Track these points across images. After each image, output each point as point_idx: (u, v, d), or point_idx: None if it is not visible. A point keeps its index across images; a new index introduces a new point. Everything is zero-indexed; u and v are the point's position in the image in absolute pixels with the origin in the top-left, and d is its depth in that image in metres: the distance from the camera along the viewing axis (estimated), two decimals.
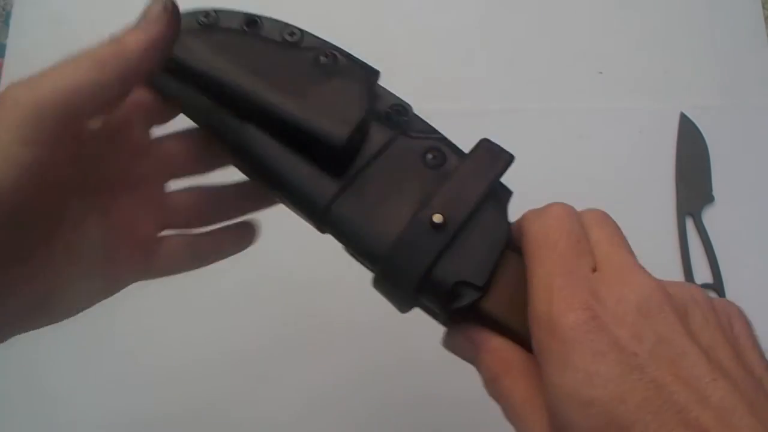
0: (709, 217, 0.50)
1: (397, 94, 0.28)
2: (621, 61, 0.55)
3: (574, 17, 0.56)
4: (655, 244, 0.49)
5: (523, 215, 0.25)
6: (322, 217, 0.25)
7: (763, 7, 0.57)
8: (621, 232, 0.24)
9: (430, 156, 0.26)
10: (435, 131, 0.27)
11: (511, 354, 0.23)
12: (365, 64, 0.27)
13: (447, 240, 0.23)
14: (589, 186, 0.51)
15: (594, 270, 0.22)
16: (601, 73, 0.54)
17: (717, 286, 0.48)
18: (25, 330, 0.24)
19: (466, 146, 0.27)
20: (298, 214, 0.27)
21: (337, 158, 0.25)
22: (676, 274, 0.49)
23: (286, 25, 0.28)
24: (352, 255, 0.26)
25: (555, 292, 0.21)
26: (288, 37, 0.27)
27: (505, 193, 0.26)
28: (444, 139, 0.27)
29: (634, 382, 0.19)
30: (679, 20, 0.56)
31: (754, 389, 0.19)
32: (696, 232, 0.50)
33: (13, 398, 0.45)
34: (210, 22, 0.27)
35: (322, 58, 0.26)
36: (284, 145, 0.25)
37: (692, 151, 0.52)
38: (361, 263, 0.26)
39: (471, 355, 0.24)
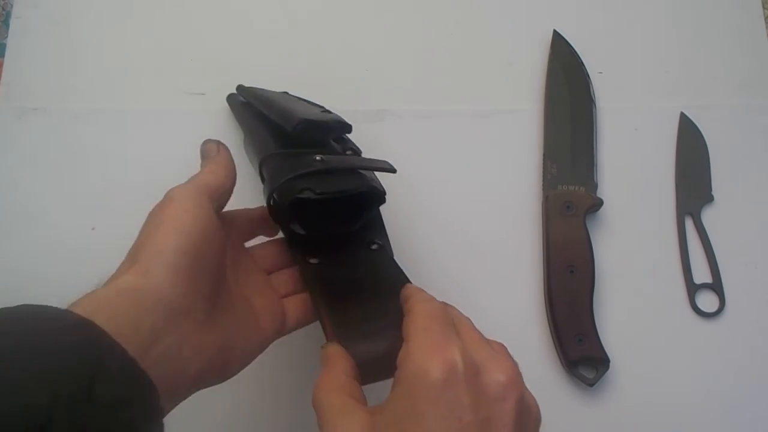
0: (708, 216, 0.50)
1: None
2: (621, 61, 0.55)
3: (574, 17, 0.56)
4: (654, 244, 0.50)
5: (412, 294, 0.32)
6: (262, 161, 0.40)
7: (763, 7, 0.57)
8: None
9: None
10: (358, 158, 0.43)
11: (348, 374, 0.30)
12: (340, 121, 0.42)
13: (323, 168, 0.37)
14: None
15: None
16: (601, 73, 0.54)
17: (716, 285, 0.48)
18: (205, 386, 0.31)
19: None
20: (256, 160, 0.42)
21: (287, 138, 0.40)
22: (676, 274, 0.49)
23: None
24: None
25: (426, 352, 0.27)
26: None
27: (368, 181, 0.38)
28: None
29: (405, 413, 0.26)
30: (679, 20, 0.56)
31: None
32: (695, 231, 0.50)
33: None
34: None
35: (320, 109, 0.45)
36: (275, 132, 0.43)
37: (692, 150, 0.52)
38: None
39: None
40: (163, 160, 0.51)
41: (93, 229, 0.49)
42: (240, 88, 0.50)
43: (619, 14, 0.56)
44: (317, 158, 0.37)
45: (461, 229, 0.49)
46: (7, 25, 0.54)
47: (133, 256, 0.29)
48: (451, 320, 0.30)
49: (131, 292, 0.27)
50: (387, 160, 0.39)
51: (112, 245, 0.49)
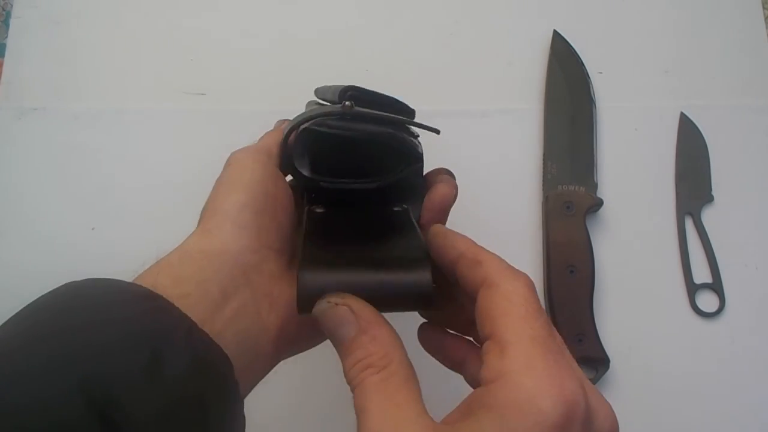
0: (708, 216, 0.50)
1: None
2: (621, 61, 0.55)
3: (574, 17, 0.56)
4: (654, 244, 0.50)
5: (483, 254, 0.27)
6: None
7: (763, 7, 0.57)
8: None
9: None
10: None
11: (397, 352, 0.23)
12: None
13: (347, 111, 0.31)
14: None
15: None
16: (601, 73, 0.54)
17: (716, 285, 0.48)
18: (294, 348, 0.29)
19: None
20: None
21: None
22: (676, 274, 0.49)
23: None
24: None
25: (542, 381, 0.21)
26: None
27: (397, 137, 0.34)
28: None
29: None
30: (680, 20, 0.56)
31: None
32: (695, 231, 0.50)
33: None
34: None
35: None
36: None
37: (692, 150, 0.52)
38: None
39: (346, 331, 0.24)
40: (162, 159, 0.51)
41: (93, 229, 0.49)
42: (316, 90, 0.43)
43: (619, 14, 0.56)
44: (346, 103, 0.32)
45: (460, 229, 0.49)
46: (7, 25, 0.54)
47: (199, 222, 0.28)
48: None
49: (196, 254, 0.26)
50: None
51: (112, 245, 0.50)
